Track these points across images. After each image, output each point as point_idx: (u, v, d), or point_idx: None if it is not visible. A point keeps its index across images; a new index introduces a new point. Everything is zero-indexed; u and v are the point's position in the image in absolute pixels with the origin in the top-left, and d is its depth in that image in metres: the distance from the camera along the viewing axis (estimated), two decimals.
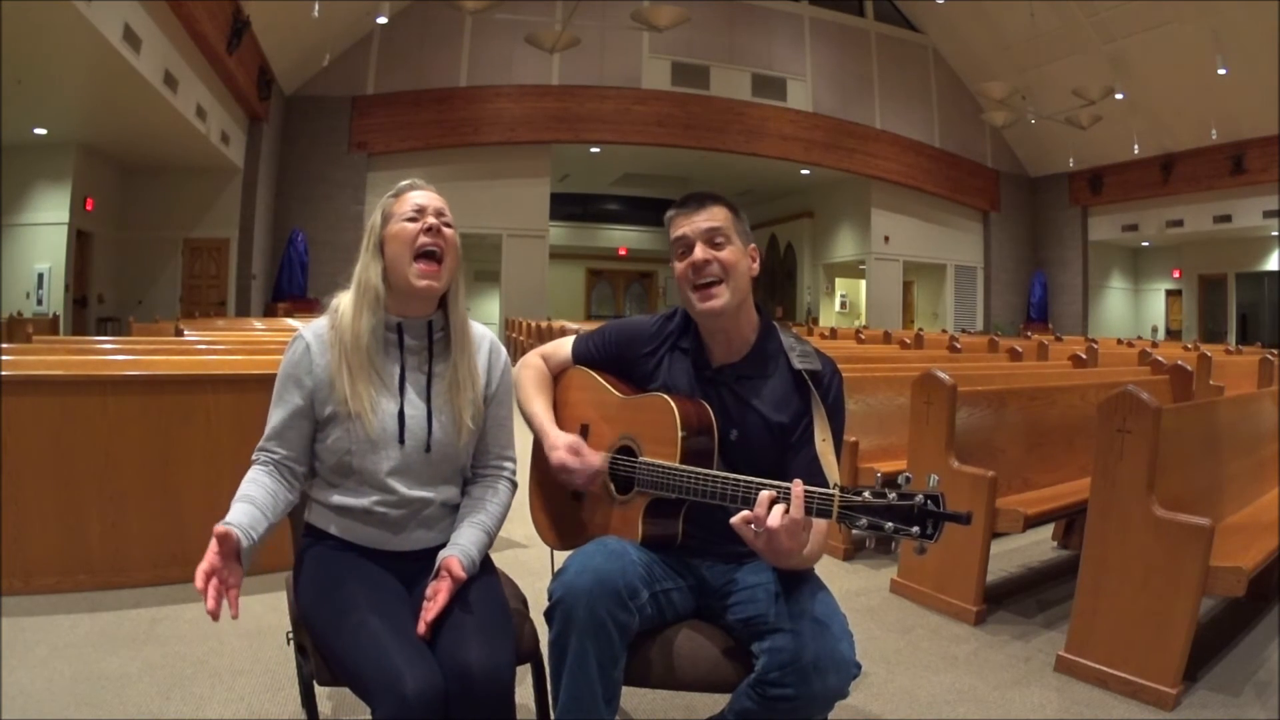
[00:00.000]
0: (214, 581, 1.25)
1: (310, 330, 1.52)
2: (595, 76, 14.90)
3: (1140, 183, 16.52)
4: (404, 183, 1.57)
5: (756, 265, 1.60)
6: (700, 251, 1.53)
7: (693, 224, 1.55)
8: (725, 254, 1.53)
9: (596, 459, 1.58)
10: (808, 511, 1.27)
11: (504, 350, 1.64)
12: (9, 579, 2.67)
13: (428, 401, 1.50)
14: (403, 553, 1.49)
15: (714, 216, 1.55)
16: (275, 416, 1.49)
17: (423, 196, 1.53)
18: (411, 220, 1.49)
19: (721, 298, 1.52)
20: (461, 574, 1.42)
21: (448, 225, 1.52)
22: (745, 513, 1.28)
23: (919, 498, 1.20)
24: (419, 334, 1.53)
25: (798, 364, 1.55)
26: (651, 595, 1.44)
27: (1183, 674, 2.20)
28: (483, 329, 1.62)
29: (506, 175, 14.71)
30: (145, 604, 2.68)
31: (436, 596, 1.38)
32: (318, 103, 14.08)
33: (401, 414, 1.48)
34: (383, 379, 1.48)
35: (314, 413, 1.48)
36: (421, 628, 1.34)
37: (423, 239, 1.48)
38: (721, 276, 1.52)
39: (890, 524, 1.20)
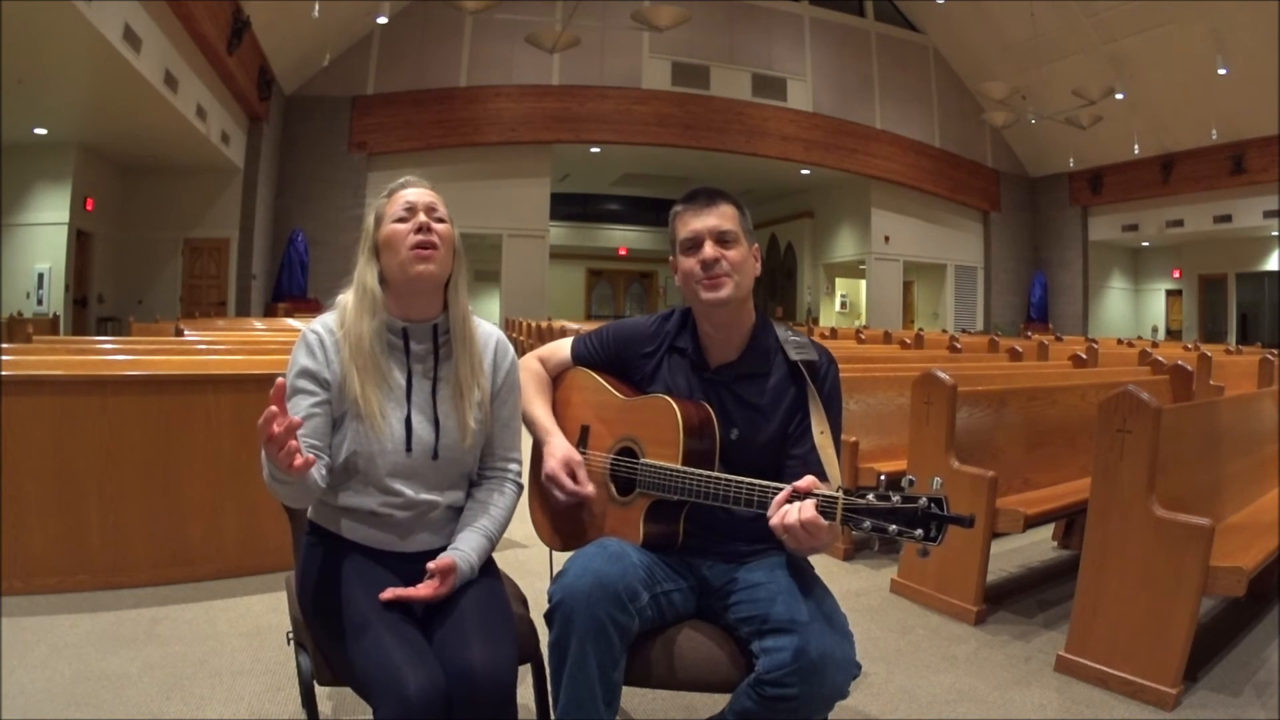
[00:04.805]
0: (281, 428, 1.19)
1: (321, 325, 1.49)
2: (595, 76, 14.89)
3: (1140, 183, 16.50)
4: (397, 181, 1.55)
5: (759, 265, 1.61)
6: (710, 249, 1.53)
7: (704, 221, 1.55)
8: (734, 253, 1.54)
9: (590, 489, 1.58)
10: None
11: (510, 348, 1.63)
12: (9, 579, 2.66)
13: (434, 408, 1.49)
14: (406, 554, 1.49)
15: (724, 216, 1.55)
16: (298, 409, 1.40)
17: (413, 194, 1.51)
18: (402, 220, 1.48)
19: (727, 288, 1.53)
20: (452, 577, 1.40)
21: (440, 221, 1.50)
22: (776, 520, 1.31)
23: (923, 500, 1.20)
24: (425, 338, 1.52)
25: (794, 355, 1.56)
26: (652, 597, 1.44)
27: (1183, 674, 2.20)
28: (490, 327, 1.61)
29: (506, 175, 14.70)
30: (145, 604, 2.67)
31: (419, 589, 1.37)
32: (318, 103, 14.06)
33: (409, 421, 1.47)
34: (389, 385, 1.47)
35: (333, 408, 1.44)
36: (389, 593, 1.35)
37: (413, 238, 1.46)
38: (730, 273, 1.53)
39: (894, 526, 1.21)
